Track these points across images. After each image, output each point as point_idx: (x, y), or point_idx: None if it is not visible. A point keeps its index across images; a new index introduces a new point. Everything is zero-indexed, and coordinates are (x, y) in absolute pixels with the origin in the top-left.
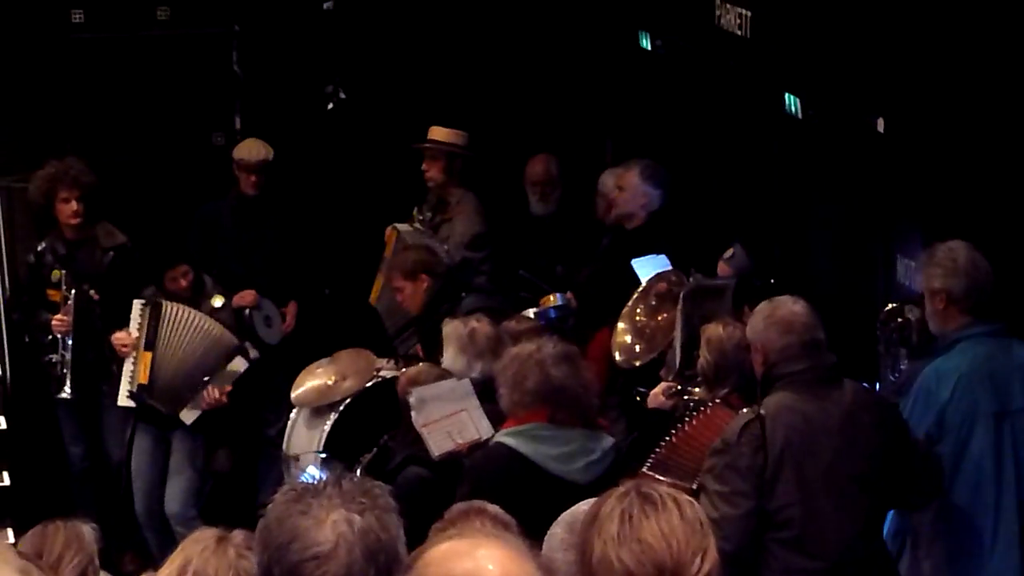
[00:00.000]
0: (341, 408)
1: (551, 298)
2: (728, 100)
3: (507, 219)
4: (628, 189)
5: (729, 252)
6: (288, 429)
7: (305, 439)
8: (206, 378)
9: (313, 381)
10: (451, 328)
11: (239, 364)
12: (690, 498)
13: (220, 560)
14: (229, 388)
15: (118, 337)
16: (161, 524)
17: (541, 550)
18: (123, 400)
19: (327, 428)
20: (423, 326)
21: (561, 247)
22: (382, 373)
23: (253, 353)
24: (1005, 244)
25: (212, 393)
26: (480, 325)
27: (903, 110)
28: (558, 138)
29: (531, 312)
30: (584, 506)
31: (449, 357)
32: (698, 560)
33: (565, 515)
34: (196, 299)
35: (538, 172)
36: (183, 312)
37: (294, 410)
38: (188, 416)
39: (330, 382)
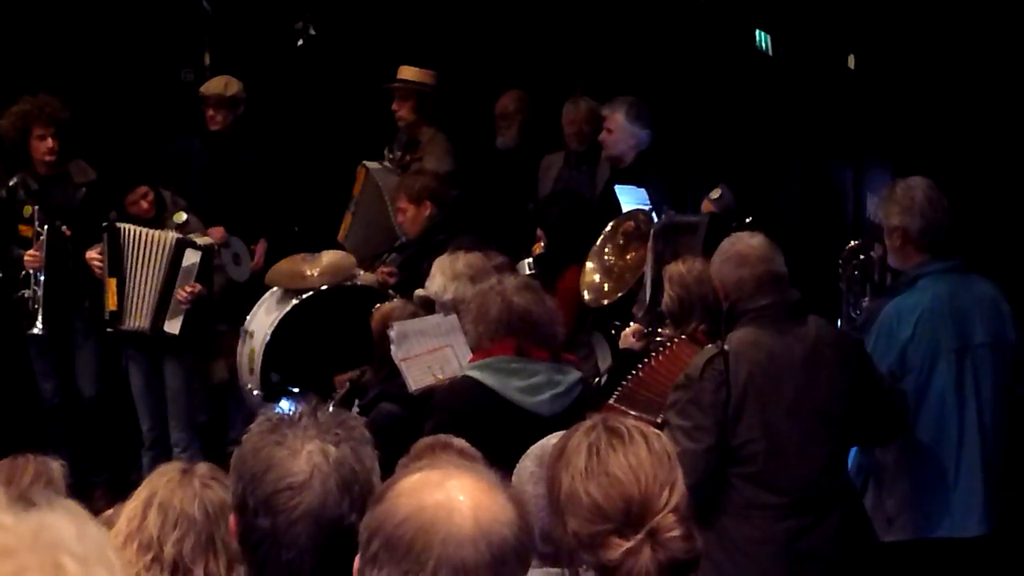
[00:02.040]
0: (304, 297)
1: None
2: (699, 37)
3: (476, 155)
4: (616, 131)
5: (716, 192)
6: (256, 305)
7: (264, 317)
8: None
9: (291, 266)
10: (438, 260)
11: (192, 256)
12: (657, 431)
13: (185, 491)
14: (194, 283)
15: (91, 255)
16: (164, 448)
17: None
18: (106, 329)
19: (286, 311)
20: (414, 250)
21: (524, 182)
22: (357, 280)
23: (202, 240)
24: (975, 180)
25: (182, 294)
26: (467, 254)
27: (874, 47)
28: (528, 75)
29: (526, 262)
30: (553, 439)
31: (429, 279)
32: (666, 493)
33: (534, 448)
34: (160, 217)
35: (497, 106)
36: (139, 233)
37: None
38: (172, 326)
39: (305, 272)
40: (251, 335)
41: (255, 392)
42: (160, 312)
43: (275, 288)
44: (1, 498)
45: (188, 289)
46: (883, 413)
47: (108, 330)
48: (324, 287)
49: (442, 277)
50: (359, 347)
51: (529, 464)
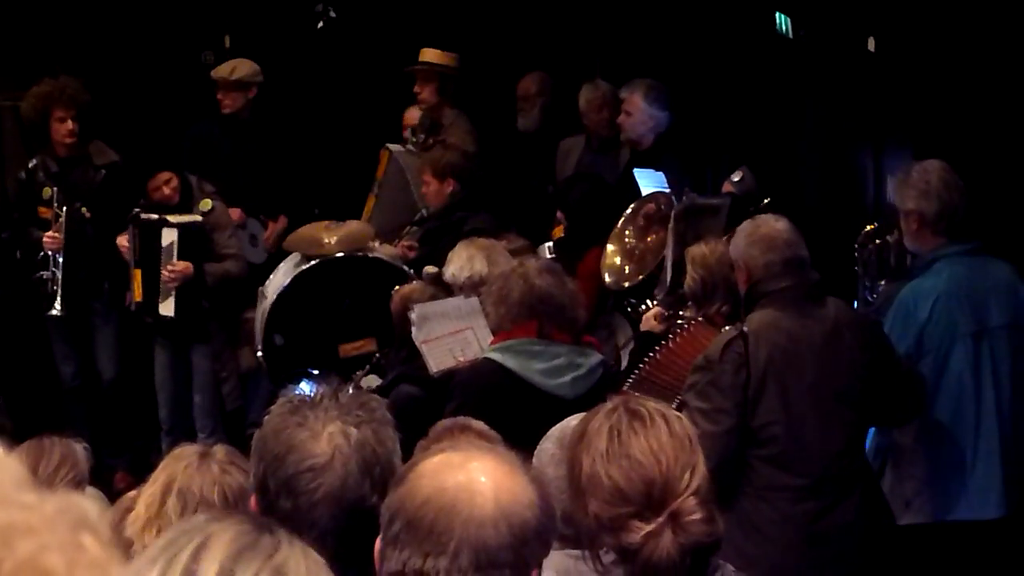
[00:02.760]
0: (314, 263)
1: (562, 229)
2: (718, 19)
3: (497, 137)
4: (635, 113)
5: (738, 175)
6: (278, 268)
7: (278, 280)
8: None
9: (311, 232)
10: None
11: (170, 235)
12: (679, 414)
13: (204, 476)
14: (176, 261)
15: (121, 242)
16: (183, 434)
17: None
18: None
19: (295, 275)
20: (433, 225)
21: (545, 164)
22: (372, 252)
23: (179, 219)
24: (995, 163)
25: (167, 275)
26: (480, 237)
27: (894, 29)
28: (547, 57)
29: (547, 246)
30: (573, 421)
31: (446, 265)
32: (687, 476)
33: (554, 430)
34: (186, 205)
35: (519, 87)
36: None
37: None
38: (166, 308)
39: (323, 239)
40: (265, 296)
41: (258, 353)
42: (151, 296)
43: (291, 255)
44: (24, 477)
45: (170, 268)
46: (901, 394)
47: (147, 320)
48: (337, 255)
49: (458, 260)
50: (367, 318)
51: (550, 446)
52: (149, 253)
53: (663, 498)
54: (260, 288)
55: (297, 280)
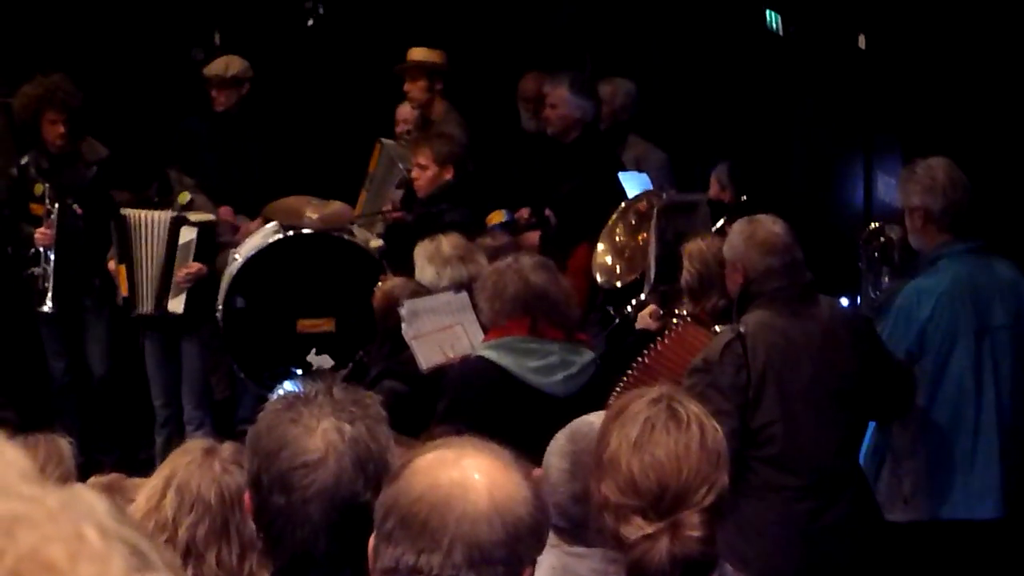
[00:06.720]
0: (290, 234)
1: (499, 214)
2: (709, 16)
3: (496, 135)
4: (560, 105)
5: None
6: (255, 232)
7: (253, 243)
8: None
9: (295, 204)
10: (419, 248)
11: (188, 234)
12: (717, 425)
13: (204, 473)
14: (192, 263)
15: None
16: (177, 426)
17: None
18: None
19: (269, 242)
20: (419, 211)
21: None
22: (349, 237)
23: (198, 217)
24: (985, 161)
25: (180, 274)
26: (446, 237)
27: (884, 26)
28: (537, 53)
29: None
30: (591, 417)
31: (419, 270)
32: (704, 490)
33: (572, 423)
34: (165, 199)
35: (532, 89)
36: (139, 216)
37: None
38: (176, 305)
39: (304, 212)
40: (235, 258)
41: (217, 311)
42: (162, 292)
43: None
44: (29, 469)
45: (185, 271)
46: (890, 390)
47: (131, 316)
48: (315, 231)
49: (432, 265)
50: (330, 298)
51: (561, 438)
52: (128, 248)
53: (673, 505)
54: (232, 250)
55: (271, 248)
